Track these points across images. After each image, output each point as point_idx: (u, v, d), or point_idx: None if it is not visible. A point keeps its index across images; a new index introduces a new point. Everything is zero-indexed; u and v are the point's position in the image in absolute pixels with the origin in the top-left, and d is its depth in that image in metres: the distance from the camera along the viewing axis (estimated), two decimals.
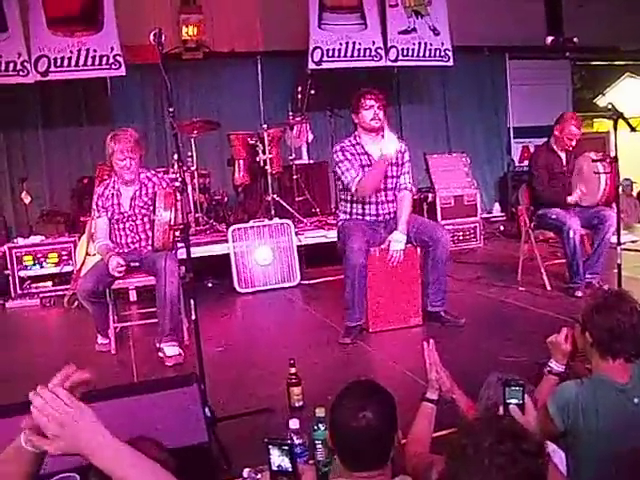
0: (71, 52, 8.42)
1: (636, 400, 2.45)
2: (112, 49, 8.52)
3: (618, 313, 2.54)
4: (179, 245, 4.98)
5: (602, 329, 2.55)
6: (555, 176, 6.21)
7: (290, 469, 1.32)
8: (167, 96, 3.91)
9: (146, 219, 5.09)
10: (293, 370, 3.70)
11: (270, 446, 1.39)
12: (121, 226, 5.15)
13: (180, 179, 3.71)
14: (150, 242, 5.01)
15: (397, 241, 5.14)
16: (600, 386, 2.51)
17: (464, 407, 2.74)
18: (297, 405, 3.69)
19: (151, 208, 4.98)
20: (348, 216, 5.38)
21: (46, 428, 1.46)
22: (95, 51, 8.48)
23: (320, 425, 2.90)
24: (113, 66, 8.56)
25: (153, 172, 5.40)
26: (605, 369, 2.56)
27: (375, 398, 2.18)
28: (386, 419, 2.13)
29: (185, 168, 7.94)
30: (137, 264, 5.11)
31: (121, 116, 9.71)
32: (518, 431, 1.65)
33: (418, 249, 5.32)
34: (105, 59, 8.51)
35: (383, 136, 5.12)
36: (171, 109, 3.81)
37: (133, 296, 6.94)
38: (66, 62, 8.39)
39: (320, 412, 2.93)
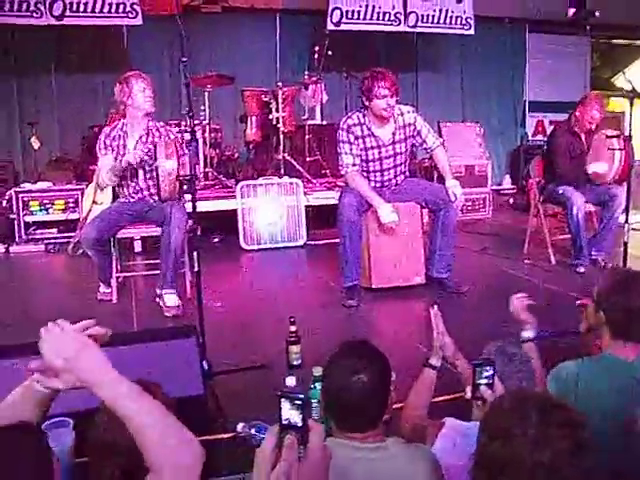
0: None
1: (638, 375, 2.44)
2: None
3: (636, 295, 2.51)
4: (186, 196, 4.98)
5: (618, 310, 2.52)
6: (576, 156, 6.15)
7: (300, 424, 1.31)
8: (181, 45, 3.84)
9: (147, 167, 5.04)
10: (293, 328, 3.69)
11: (282, 399, 1.37)
12: (125, 173, 5.09)
13: (190, 130, 3.67)
14: (155, 192, 4.98)
15: (454, 186, 5.17)
16: (610, 365, 2.49)
17: (466, 375, 2.73)
18: (295, 363, 3.69)
19: (153, 156, 4.94)
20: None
21: (52, 361, 1.52)
22: None
23: (317, 384, 2.91)
24: (130, 14, 8.43)
25: (162, 124, 5.36)
26: (616, 349, 2.54)
27: (368, 359, 2.17)
28: (379, 380, 2.12)
29: (197, 121, 7.90)
30: (143, 215, 5.10)
31: (136, 66, 9.59)
32: (559, 403, 1.64)
33: (419, 208, 5.37)
34: (122, 7, 8.38)
35: (390, 120, 5.16)
36: (184, 59, 3.77)
37: (138, 246, 6.94)
38: (82, 7, 8.25)
39: (317, 371, 2.93)
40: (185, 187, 3.89)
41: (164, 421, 1.51)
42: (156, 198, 4.99)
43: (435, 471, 2.06)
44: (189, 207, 3.93)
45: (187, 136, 4.67)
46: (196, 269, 3.49)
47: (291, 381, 2.91)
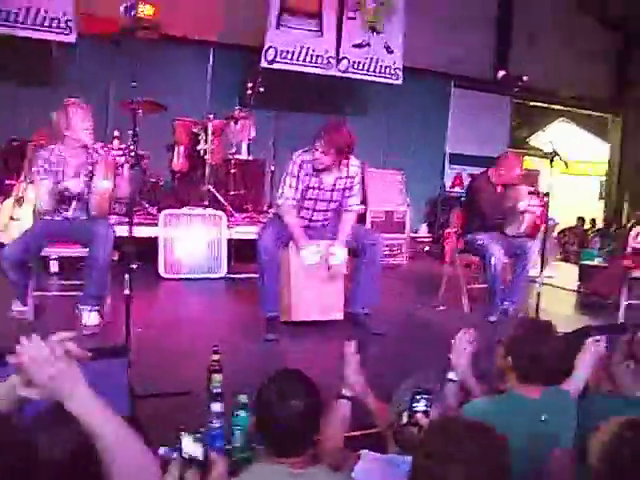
0: (19, 9, 8.18)
1: (543, 417, 2.59)
2: (64, 13, 8.33)
3: (542, 344, 2.68)
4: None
5: (525, 357, 2.69)
6: (494, 206, 6.39)
7: (201, 458, 1.36)
8: (133, 70, 3.88)
9: (86, 189, 4.99)
10: (216, 357, 3.70)
11: (182, 433, 1.43)
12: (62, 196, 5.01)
13: (134, 155, 3.70)
14: (83, 211, 4.97)
15: (336, 254, 5.26)
16: (513, 402, 2.64)
17: (375, 410, 2.83)
18: (216, 392, 3.70)
19: (91, 176, 4.92)
20: (278, 217, 5.45)
21: (35, 376, 1.57)
22: (46, 12, 8.26)
23: (241, 411, 2.94)
24: (64, 31, 8.37)
25: (101, 145, 5.34)
26: (521, 389, 2.69)
27: (301, 386, 2.24)
28: (311, 407, 2.20)
29: (124, 146, 7.86)
30: (68, 233, 5.04)
31: (63, 83, 9.52)
32: (487, 427, 1.80)
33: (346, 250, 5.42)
34: (56, 22, 8.30)
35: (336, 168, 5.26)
36: (134, 83, 3.82)
37: (55, 267, 6.81)
38: (12, 17, 8.14)
39: (242, 398, 2.97)
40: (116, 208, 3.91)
41: (130, 441, 1.56)
42: (84, 217, 4.96)
43: None
44: (124, 231, 3.93)
45: (121, 160, 4.73)
46: (127, 292, 3.48)
47: (217, 407, 2.94)
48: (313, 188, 5.31)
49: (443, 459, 1.70)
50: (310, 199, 5.35)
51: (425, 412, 2.27)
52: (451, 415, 2.53)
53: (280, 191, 5.33)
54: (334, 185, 5.35)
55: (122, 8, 3.99)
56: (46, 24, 8.27)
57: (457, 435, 1.75)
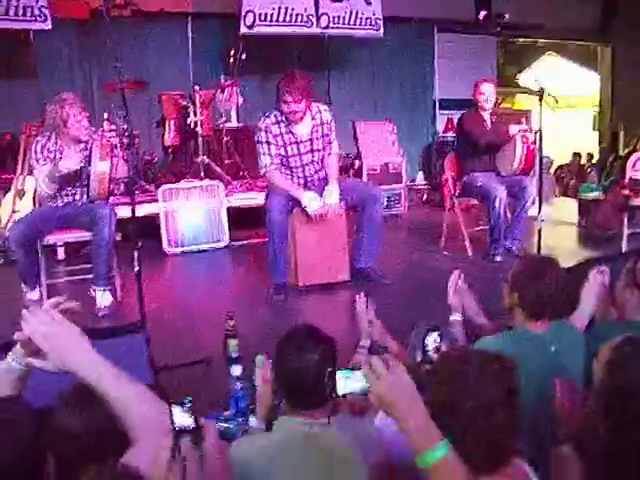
0: None
1: (553, 348, 2.66)
2: (37, 1, 8.28)
3: (546, 279, 2.74)
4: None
5: (530, 293, 2.75)
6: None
7: (192, 426, 1.41)
8: (112, 51, 3.88)
9: (84, 175, 5.04)
10: (231, 322, 3.79)
11: (172, 405, 1.48)
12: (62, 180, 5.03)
13: (128, 134, 3.73)
14: (84, 194, 5.04)
15: (330, 193, 5.30)
16: (522, 337, 2.71)
17: (395, 352, 2.91)
18: (234, 356, 3.79)
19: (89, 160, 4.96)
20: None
21: (35, 341, 1.59)
22: (19, 1, 8.21)
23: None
24: (38, 18, 8.28)
25: (94, 129, 5.37)
26: (529, 324, 2.76)
27: (317, 340, 2.31)
28: (328, 359, 2.27)
29: (114, 127, 7.87)
30: (71, 219, 5.10)
31: (45, 72, 9.47)
32: (495, 354, 1.89)
33: (344, 204, 5.45)
34: (30, 10, 8.24)
35: (307, 117, 5.31)
36: (118, 64, 3.81)
37: (61, 254, 6.85)
38: None
39: (260, 359, 3.04)
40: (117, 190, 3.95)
41: (144, 394, 1.61)
42: (85, 200, 5.02)
43: (379, 444, 2.22)
44: (125, 211, 3.98)
45: (114, 141, 4.77)
46: (136, 269, 3.55)
47: (236, 370, 3.01)
48: (291, 144, 5.35)
49: (453, 385, 1.78)
50: (293, 156, 5.39)
51: (437, 348, 2.35)
52: (461, 347, 2.61)
53: (259, 163, 5.39)
54: (311, 134, 5.39)
55: None
56: (21, 14, 8.19)
57: (466, 361, 1.82)
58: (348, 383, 1.69)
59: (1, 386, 1.71)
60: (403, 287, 5.44)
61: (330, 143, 5.50)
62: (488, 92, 6.57)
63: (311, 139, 5.40)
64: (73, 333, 1.62)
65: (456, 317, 3.17)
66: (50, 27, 8.36)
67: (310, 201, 5.20)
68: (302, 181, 5.46)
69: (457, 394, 1.77)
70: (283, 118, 5.30)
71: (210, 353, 3.91)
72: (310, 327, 2.42)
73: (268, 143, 5.29)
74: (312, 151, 5.43)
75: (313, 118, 5.38)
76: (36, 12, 8.21)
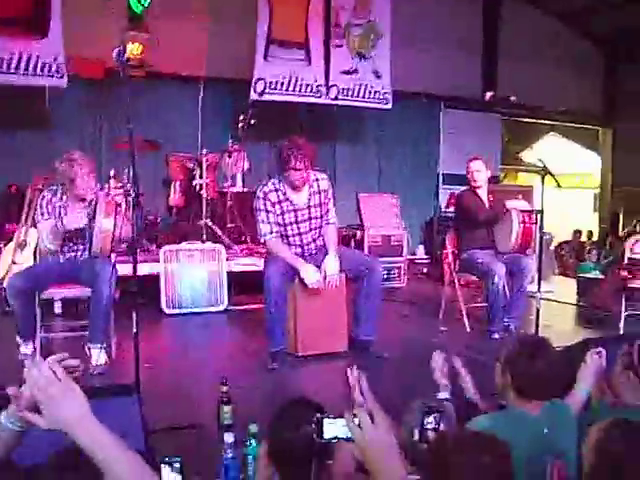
0: (12, 54, 8.32)
1: (545, 430, 2.64)
2: (56, 58, 8.46)
3: (540, 360, 2.73)
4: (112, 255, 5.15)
5: (523, 374, 2.74)
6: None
7: None
8: (128, 118, 3.95)
9: (87, 232, 5.09)
10: (225, 388, 3.77)
11: (162, 464, 1.47)
12: (65, 236, 5.10)
13: (135, 195, 3.78)
14: (85, 250, 5.09)
15: (330, 264, 5.30)
16: (514, 418, 2.69)
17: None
18: (227, 423, 3.76)
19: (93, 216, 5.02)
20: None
21: (35, 398, 1.57)
22: (38, 57, 8.40)
23: (252, 440, 2.99)
24: (55, 75, 8.48)
25: (101, 186, 5.44)
26: (521, 405, 2.75)
27: (312, 412, 2.29)
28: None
29: (121, 184, 7.93)
30: (71, 274, 5.12)
31: (58, 126, 9.64)
32: (490, 436, 1.91)
33: (344, 275, 5.47)
34: (47, 67, 8.43)
35: (305, 185, 5.36)
36: (130, 125, 3.88)
37: (58, 308, 6.85)
38: (5, 65, 8.28)
39: (253, 428, 3.02)
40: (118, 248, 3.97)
41: (135, 461, 1.58)
42: (86, 256, 5.06)
43: None
44: (126, 269, 4.00)
45: (119, 199, 4.83)
46: (134, 330, 3.55)
47: (229, 437, 2.98)
48: (288, 211, 5.38)
49: (449, 471, 1.77)
50: (291, 224, 5.42)
51: (435, 429, 2.35)
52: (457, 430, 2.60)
53: (258, 231, 5.43)
54: (308, 202, 5.43)
55: (114, 54, 4.06)
56: (39, 70, 8.38)
57: (462, 449, 1.83)
58: (334, 429, 1.71)
59: None
60: (399, 361, 5.41)
61: (327, 212, 5.54)
62: (476, 169, 6.64)
63: (309, 207, 5.44)
64: (72, 391, 1.60)
65: (444, 395, 3.16)
66: (65, 85, 8.51)
67: (309, 274, 5.22)
68: (300, 249, 5.47)
69: (449, 477, 1.78)
70: (281, 186, 5.34)
71: (203, 418, 3.88)
72: (303, 400, 2.41)
73: (267, 211, 5.33)
74: (310, 219, 5.46)
75: (311, 186, 5.43)
76: (54, 69, 8.40)
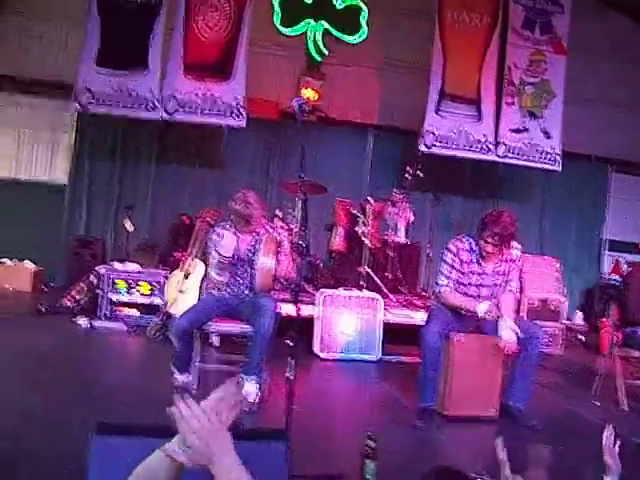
0: (197, 95, 8.88)
1: None
2: (237, 100, 8.94)
3: None
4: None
5: None
6: None
7: None
8: (301, 161, 4.11)
9: (249, 267, 5.31)
10: (373, 444, 3.79)
11: None
12: (231, 269, 5.33)
13: (304, 244, 3.90)
14: (250, 286, 5.31)
15: (507, 329, 5.12)
16: None
17: None
18: (368, 478, 3.77)
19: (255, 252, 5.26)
20: (440, 307, 5.51)
21: (184, 435, 1.63)
22: (221, 99, 8.91)
23: None
24: (235, 116, 8.95)
25: (267, 222, 5.69)
26: None
27: None
28: None
29: (285, 225, 8.20)
30: (235, 309, 5.34)
31: (231, 164, 10.12)
32: None
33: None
34: (229, 108, 8.92)
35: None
36: (302, 175, 4.02)
37: (216, 341, 7.12)
38: (193, 105, 8.84)
39: None
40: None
41: None
42: (249, 292, 5.28)
43: None
44: (290, 310, 4.12)
45: (283, 238, 5.04)
46: (291, 376, 3.65)
47: None
48: (474, 273, 5.36)
49: None
50: (472, 285, 5.39)
51: None
52: None
53: (436, 280, 5.44)
54: (495, 269, 5.37)
55: (295, 104, 4.22)
56: (221, 110, 8.86)
57: None
58: None
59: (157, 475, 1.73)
60: (548, 432, 5.25)
61: (509, 281, 5.44)
62: None
63: (495, 272, 5.39)
64: (221, 433, 1.65)
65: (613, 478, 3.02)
66: (244, 124, 8.96)
67: (505, 331, 5.11)
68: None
69: None
70: (476, 248, 5.31)
71: (345, 468, 3.91)
72: (453, 470, 2.41)
73: (452, 267, 5.32)
74: (494, 285, 5.41)
75: (503, 253, 5.36)
76: (234, 111, 8.85)
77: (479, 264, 5.34)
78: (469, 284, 5.39)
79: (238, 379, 1.86)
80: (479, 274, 5.36)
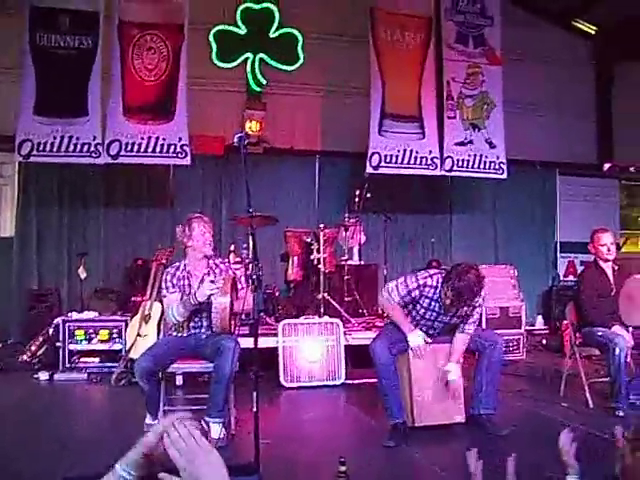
0: (141, 139, 8.88)
1: None
2: (180, 139, 8.96)
3: None
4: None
5: None
6: (603, 295, 6.31)
7: None
8: (247, 195, 4.14)
9: (206, 308, 5.26)
10: (343, 468, 3.78)
11: None
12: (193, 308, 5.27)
13: (255, 276, 3.91)
14: (209, 327, 5.28)
15: (452, 371, 5.32)
16: None
17: None
18: None
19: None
20: (391, 324, 5.58)
21: (175, 460, 1.60)
22: (164, 140, 8.92)
23: None
24: (179, 155, 8.96)
25: (221, 260, 5.66)
26: None
27: None
28: None
29: (239, 259, 8.20)
30: (195, 350, 5.29)
31: (181, 203, 10.10)
32: None
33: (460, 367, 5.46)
34: (173, 148, 8.93)
35: None
36: (250, 209, 4.05)
37: (179, 380, 7.06)
38: (136, 147, 8.84)
39: None
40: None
41: None
42: (209, 333, 5.25)
43: None
44: (248, 343, 4.12)
45: (239, 273, 5.01)
46: (254, 409, 3.63)
47: None
48: (434, 311, 5.36)
49: None
50: (429, 319, 5.42)
51: None
52: None
53: (390, 288, 5.40)
54: (456, 312, 5.31)
55: (236, 139, 4.27)
56: (164, 150, 8.87)
57: None
58: None
59: None
60: (519, 439, 5.28)
61: (467, 323, 5.41)
62: (611, 242, 6.39)
63: (453, 316, 5.36)
64: (212, 454, 1.62)
65: (574, 477, 3.06)
66: (189, 163, 8.98)
67: (414, 339, 5.27)
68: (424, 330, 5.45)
69: None
70: (440, 294, 5.22)
71: None
72: None
73: (409, 294, 5.30)
74: (446, 324, 5.44)
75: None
76: (178, 150, 8.87)
77: (438, 303, 5.31)
78: (423, 318, 5.42)
79: (201, 424, 1.84)
80: (436, 313, 5.37)
